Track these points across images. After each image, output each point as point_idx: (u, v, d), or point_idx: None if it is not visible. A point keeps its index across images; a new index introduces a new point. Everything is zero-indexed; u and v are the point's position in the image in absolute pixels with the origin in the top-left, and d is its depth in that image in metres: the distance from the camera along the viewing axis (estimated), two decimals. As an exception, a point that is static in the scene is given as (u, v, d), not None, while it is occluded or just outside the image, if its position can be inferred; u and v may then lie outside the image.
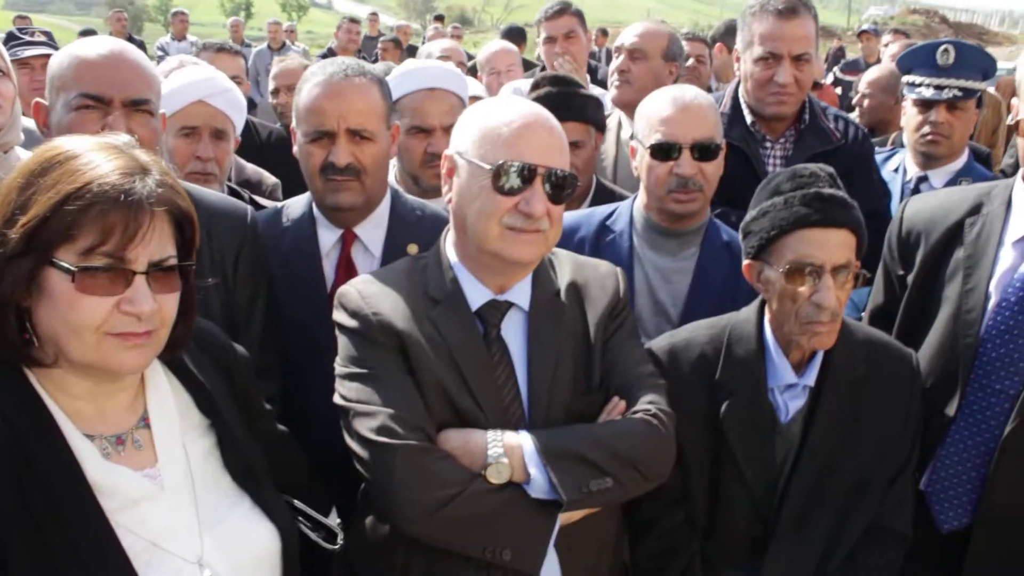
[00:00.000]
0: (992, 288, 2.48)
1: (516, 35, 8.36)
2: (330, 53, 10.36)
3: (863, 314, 2.93)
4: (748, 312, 2.45)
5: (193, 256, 1.75)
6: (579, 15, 5.10)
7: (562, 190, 2.11)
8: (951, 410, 2.52)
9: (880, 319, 2.77)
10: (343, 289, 2.21)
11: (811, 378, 2.35)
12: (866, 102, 5.58)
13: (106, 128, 2.28)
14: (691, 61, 4.88)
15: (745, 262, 2.39)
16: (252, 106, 10.30)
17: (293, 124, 2.71)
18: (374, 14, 15.74)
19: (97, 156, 1.61)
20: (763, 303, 2.41)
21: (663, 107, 2.77)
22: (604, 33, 19.07)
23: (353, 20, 10.86)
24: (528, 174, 2.06)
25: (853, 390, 2.36)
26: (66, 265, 1.54)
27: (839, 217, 2.23)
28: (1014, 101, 2.43)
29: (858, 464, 2.37)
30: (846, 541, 2.37)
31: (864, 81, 5.71)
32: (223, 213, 2.60)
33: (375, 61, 10.40)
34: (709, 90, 4.22)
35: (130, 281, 1.59)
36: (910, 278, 2.68)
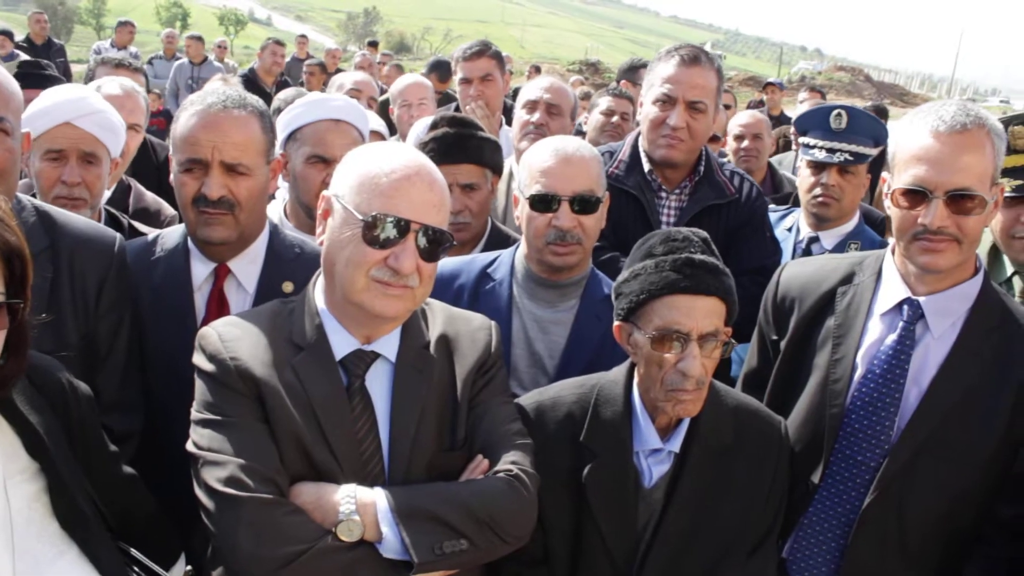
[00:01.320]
0: (859, 359, 2.51)
1: (442, 69, 8.35)
2: (252, 74, 10.21)
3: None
4: (617, 374, 2.42)
5: (25, 293, 1.66)
6: (498, 57, 5.07)
7: (437, 246, 2.07)
8: (815, 478, 2.53)
9: (754, 382, 2.79)
10: (204, 331, 2.14)
11: (676, 444, 2.33)
12: (745, 143, 5.74)
13: None
14: (616, 118, 4.90)
15: (616, 323, 2.37)
16: (169, 119, 10.18)
17: (171, 152, 2.63)
18: (303, 36, 15.54)
19: None
20: (633, 365, 2.39)
21: (544, 158, 2.76)
22: (537, 70, 19.28)
23: (278, 42, 10.63)
24: (401, 229, 2.01)
25: (719, 458, 2.35)
26: None
27: (709, 284, 2.22)
28: (884, 174, 2.48)
29: (721, 531, 2.35)
30: (706, 609, 2.34)
31: (739, 123, 5.85)
32: (88, 240, 2.50)
33: (301, 84, 10.31)
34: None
35: None
36: (783, 343, 2.70)
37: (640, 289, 2.26)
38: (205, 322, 2.52)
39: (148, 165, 4.63)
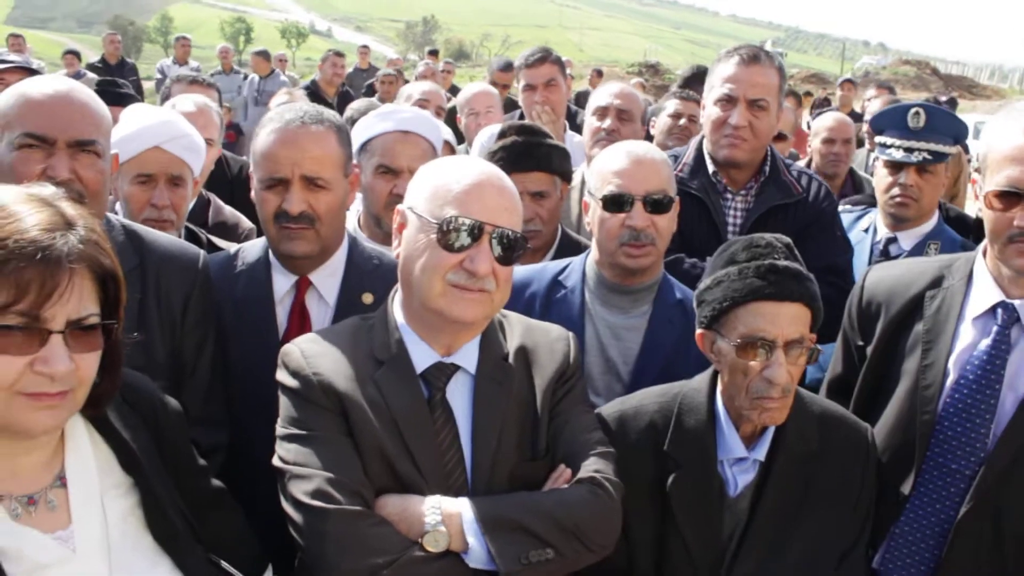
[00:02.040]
0: (951, 365, 2.44)
1: (506, 65, 8.30)
2: (314, 86, 10.33)
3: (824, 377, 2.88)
4: (700, 381, 2.40)
5: (119, 313, 1.70)
6: (560, 63, 5.08)
7: (512, 251, 2.08)
8: (906, 488, 2.47)
9: (839, 389, 2.73)
10: (286, 348, 2.17)
11: (761, 453, 2.30)
12: (836, 147, 5.62)
13: (48, 169, 2.24)
14: (683, 121, 4.86)
15: (698, 331, 2.35)
16: (239, 132, 10.36)
17: (251, 169, 2.67)
18: (365, 47, 15.75)
19: (21, 208, 1.56)
20: (715, 373, 2.36)
21: (617, 160, 2.75)
22: (599, 74, 19.23)
23: (338, 53, 10.82)
24: (475, 232, 2.03)
25: (804, 465, 2.31)
26: None
27: (793, 290, 2.19)
28: (975, 176, 2.41)
29: (808, 541, 2.30)
30: (794, 619, 2.31)
31: (828, 127, 5.71)
32: (173, 257, 2.55)
33: (367, 94, 10.42)
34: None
35: (45, 340, 1.54)
36: (869, 349, 2.64)
37: (723, 296, 2.23)
38: (287, 335, 2.56)
39: (222, 178, 4.72)
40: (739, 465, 2.32)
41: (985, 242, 2.44)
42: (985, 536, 2.39)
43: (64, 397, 1.58)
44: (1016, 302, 2.37)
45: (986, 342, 2.40)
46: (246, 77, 12.84)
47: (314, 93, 9.82)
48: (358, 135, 3.33)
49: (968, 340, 2.44)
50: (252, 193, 2.65)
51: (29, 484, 1.67)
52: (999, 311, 2.40)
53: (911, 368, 2.51)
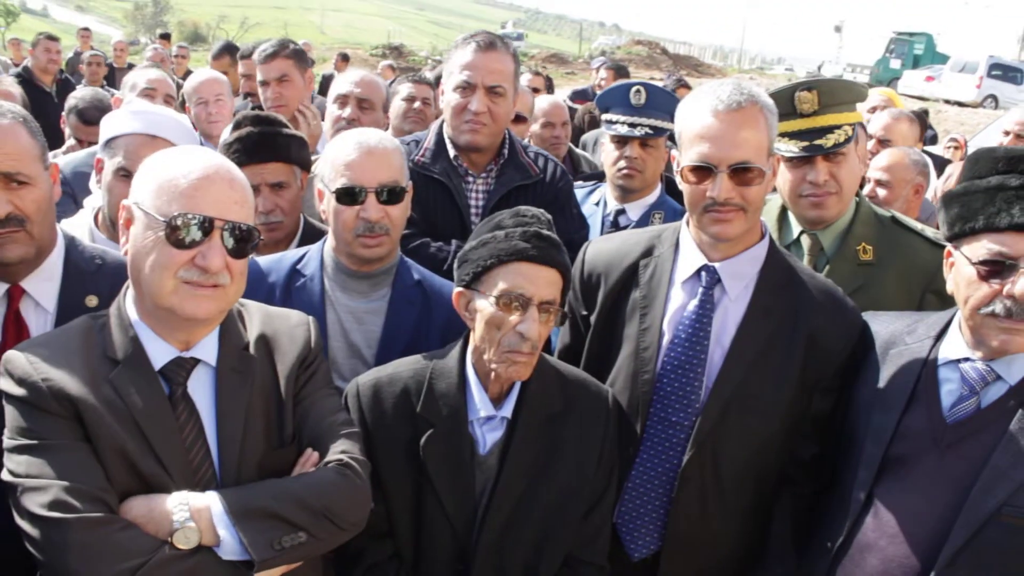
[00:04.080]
0: (666, 326, 2.66)
1: (233, 51, 7.99)
2: (27, 73, 9.42)
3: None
4: (451, 349, 2.53)
5: None
6: (295, 55, 4.94)
7: (245, 244, 2.08)
8: (635, 444, 2.67)
9: (569, 358, 2.87)
10: (9, 354, 2.05)
11: (508, 410, 2.45)
12: (553, 131, 5.85)
13: None
14: (418, 104, 4.94)
15: (457, 289, 2.47)
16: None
17: None
18: (86, 29, 14.56)
19: None
20: (465, 343, 2.50)
21: (348, 151, 2.78)
22: (345, 58, 18.98)
23: (51, 37, 9.82)
24: (206, 227, 2.01)
25: (549, 424, 2.47)
26: None
27: (552, 257, 2.38)
28: (674, 152, 2.64)
29: (555, 495, 2.46)
30: (544, 573, 2.46)
31: (541, 111, 5.91)
32: None
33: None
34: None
35: None
36: (593, 318, 2.83)
37: (489, 255, 2.37)
38: (3, 348, 2.38)
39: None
40: (488, 424, 2.46)
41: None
42: (706, 478, 2.62)
43: None
44: (716, 264, 2.62)
45: (694, 303, 2.63)
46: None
47: (28, 81, 8.99)
48: (106, 129, 3.17)
49: (679, 302, 2.67)
50: None
51: None
52: (703, 274, 2.63)
53: (632, 332, 2.71)
